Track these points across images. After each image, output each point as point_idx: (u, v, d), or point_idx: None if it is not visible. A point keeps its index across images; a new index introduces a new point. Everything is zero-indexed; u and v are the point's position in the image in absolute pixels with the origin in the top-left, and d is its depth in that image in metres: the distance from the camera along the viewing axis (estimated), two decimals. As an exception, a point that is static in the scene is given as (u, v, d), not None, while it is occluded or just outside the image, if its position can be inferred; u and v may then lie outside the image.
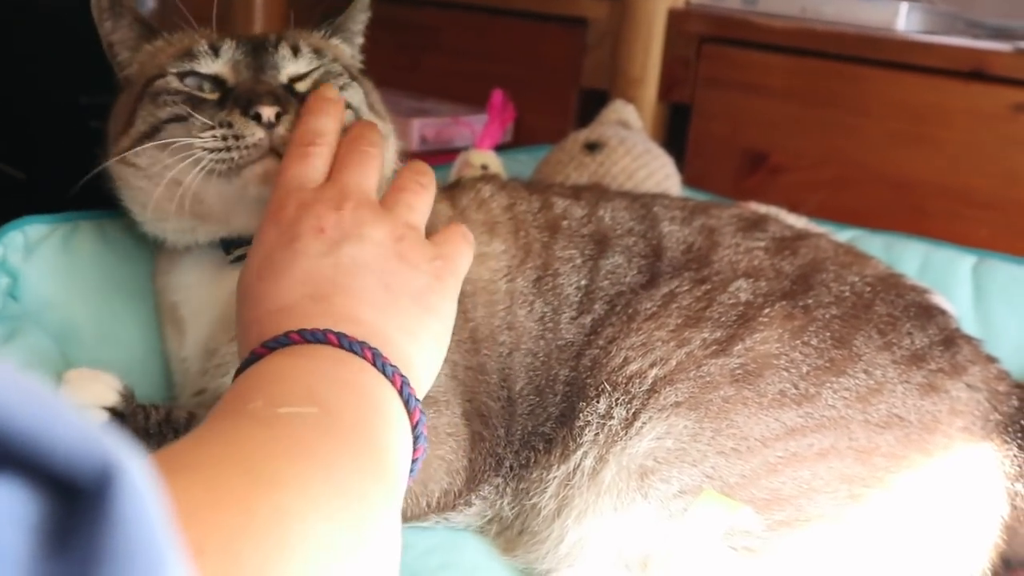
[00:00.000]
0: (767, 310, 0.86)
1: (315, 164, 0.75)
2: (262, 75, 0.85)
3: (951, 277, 1.21)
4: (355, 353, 0.63)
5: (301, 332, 0.63)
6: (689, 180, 1.45)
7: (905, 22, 1.48)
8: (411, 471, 0.64)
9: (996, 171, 1.34)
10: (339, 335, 0.63)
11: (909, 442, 0.80)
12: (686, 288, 0.89)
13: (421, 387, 0.69)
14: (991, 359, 0.91)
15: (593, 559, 0.80)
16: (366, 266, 0.70)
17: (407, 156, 0.98)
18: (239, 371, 0.64)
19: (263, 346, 0.64)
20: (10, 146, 1.22)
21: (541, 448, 0.85)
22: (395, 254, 0.72)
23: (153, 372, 0.95)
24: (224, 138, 0.80)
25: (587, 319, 0.89)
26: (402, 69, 1.88)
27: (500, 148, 1.40)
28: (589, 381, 0.84)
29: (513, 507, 0.86)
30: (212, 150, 0.80)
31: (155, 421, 0.82)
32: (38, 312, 0.90)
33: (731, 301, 0.87)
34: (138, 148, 0.84)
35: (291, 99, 0.83)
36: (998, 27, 1.63)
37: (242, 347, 0.68)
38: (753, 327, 0.84)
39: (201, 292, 0.91)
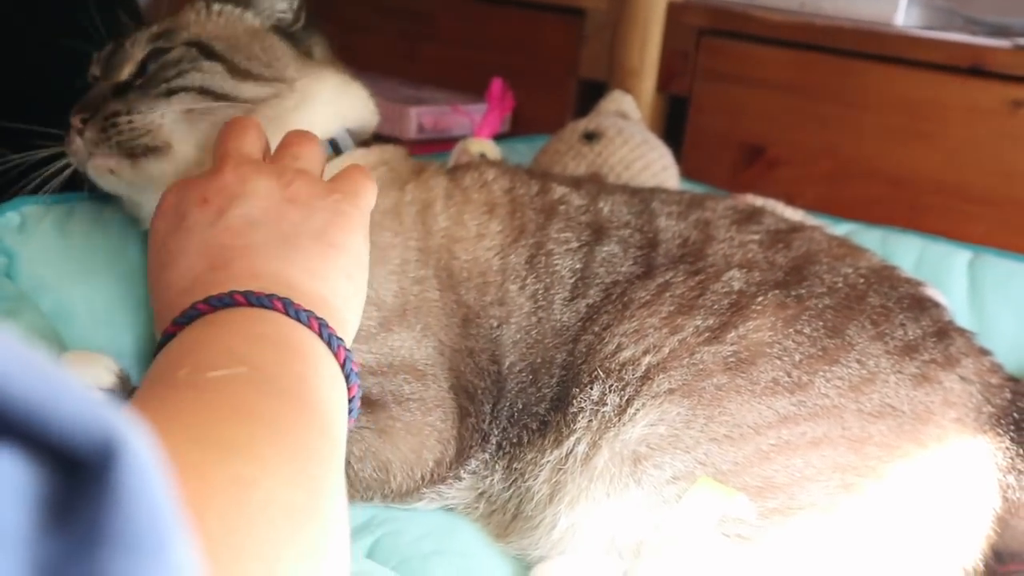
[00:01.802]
0: (760, 298, 0.86)
1: None
2: (106, 78, 0.91)
3: (947, 272, 1.22)
4: (265, 307, 0.62)
5: (207, 300, 0.62)
6: (686, 172, 1.46)
7: (904, 17, 1.48)
8: (350, 411, 0.64)
9: (993, 167, 1.34)
10: (245, 293, 0.62)
11: (902, 432, 0.80)
12: (680, 279, 0.89)
13: (346, 323, 0.69)
14: (984, 352, 0.91)
15: (586, 545, 0.80)
16: (257, 221, 0.69)
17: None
18: (154, 353, 0.63)
19: (174, 323, 0.63)
20: (6, 127, 1.22)
21: (535, 429, 0.85)
22: (285, 200, 0.71)
23: (148, 354, 0.95)
24: (69, 144, 0.88)
25: (582, 304, 0.89)
26: (400, 57, 1.88)
27: (497, 137, 1.40)
28: (583, 367, 0.85)
29: (505, 488, 0.87)
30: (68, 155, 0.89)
31: (150, 403, 0.82)
32: (33, 292, 0.89)
33: (724, 290, 0.87)
34: None
35: (119, 98, 0.87)
36: (997, 24, 1.63)
37: (158, 336, 0.68)
38: (746, 315, 0.84)
39: None
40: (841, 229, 1.28)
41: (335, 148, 0.94)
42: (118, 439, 0.25)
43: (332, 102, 0.95)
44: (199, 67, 0.88)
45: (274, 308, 0.62)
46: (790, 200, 1.33)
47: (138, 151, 0.86)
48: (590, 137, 1.24)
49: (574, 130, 1.27)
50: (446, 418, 0.86)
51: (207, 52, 0.90)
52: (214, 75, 0.89)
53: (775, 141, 1.49)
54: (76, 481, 0.25)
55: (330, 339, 0.63)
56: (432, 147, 1.53)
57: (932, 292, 1.11)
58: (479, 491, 0.88)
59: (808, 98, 1.47)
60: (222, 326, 0.61)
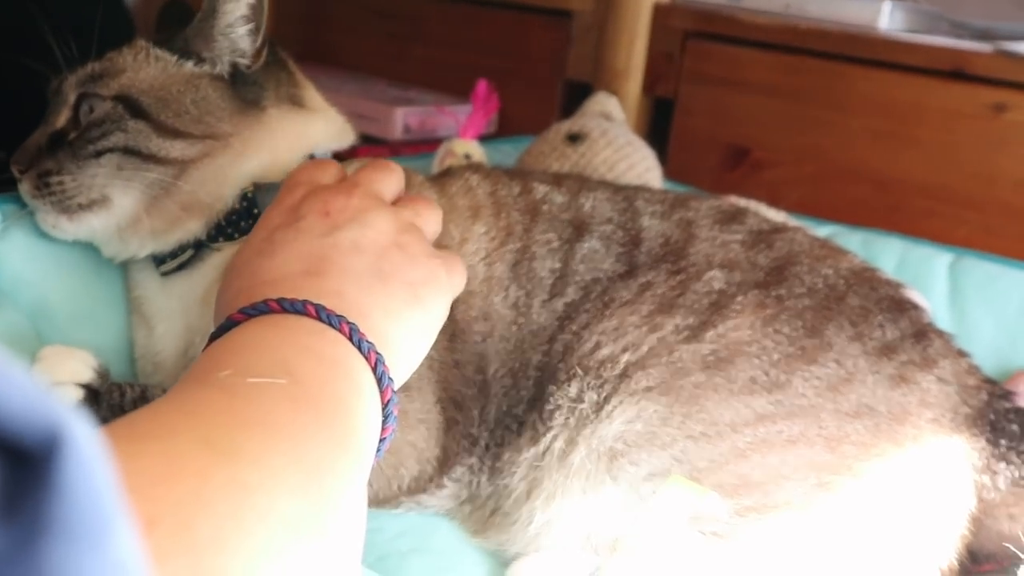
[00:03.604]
0: (739, 298, 0.86)
1: (328, 169, 0.78)
2: (43, 125, 0.89)
3: (928, 274, 1.22)
4: (332, 326, 0.63)
5: (280, 301, 0.63)
6: (671, 174, 1.46)
7: (888, 21, 1.48)
8: (378, 451, 0.64)
9: (974, 171, 1.35)
10: (317, 307, 0.63)
11: (879, 432, 0.81)
12: (662, 278, 0.89)
13: (399, 370, 0.69)
14: (962, 353, 0.91)
15: (562, 541, 0.80)
16: (363, 249, 0.71)
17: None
18: (213, 336, 0.64)
19: (240, 312, 0.64)
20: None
21: (514, 429, 0.85)
22: (395, 243, 0.73)
23: (127, 354, 0.95)
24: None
25: (559, 303, 0.89)
26: (388, 58, 1.88)
27: (483, 138, 1.40)
28: (560, 365, 0.85)
29: (488, 486, 0.87)
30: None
31: (131, 398, 0.82)
32: (13, 290, 0.89)
33: (705, 289, 0.87)
34: None
35: (52, 153, 0.86)
36: (981, 28, 1.64)
37: (221, 314, 0.68)
38: (725, 314, 0.85)
39: (159, 298, 0.92)
40: (823, 231, 1.28)
41: None
42: (62, 430, 0.25)
43: (285, 143, 0.91)
44: (124, 127, 0.85)
45: (339, 330, 0.63)
46: (774, 202, 1.34)
47: (73, 209, 0.86)
48: (574, 138, 1.25)
49: (558, 131, 1.27)
50: (429, 436, 0.86)
51: (134, 109, 0.86)
52: (139, 135, 0.86)
53: (760, 143, 1.50)
54: (23, 472, 0.25)
55: (381, 376, 0.64)
56: (418, 148, 1.54)
57: (912, 294, 1.12)
58: (462, 498, 0.89)
59: (793, 100, 1.47)
60: (280, 332, 0.62)
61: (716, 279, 0.89)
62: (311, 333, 0.62)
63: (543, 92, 1.70)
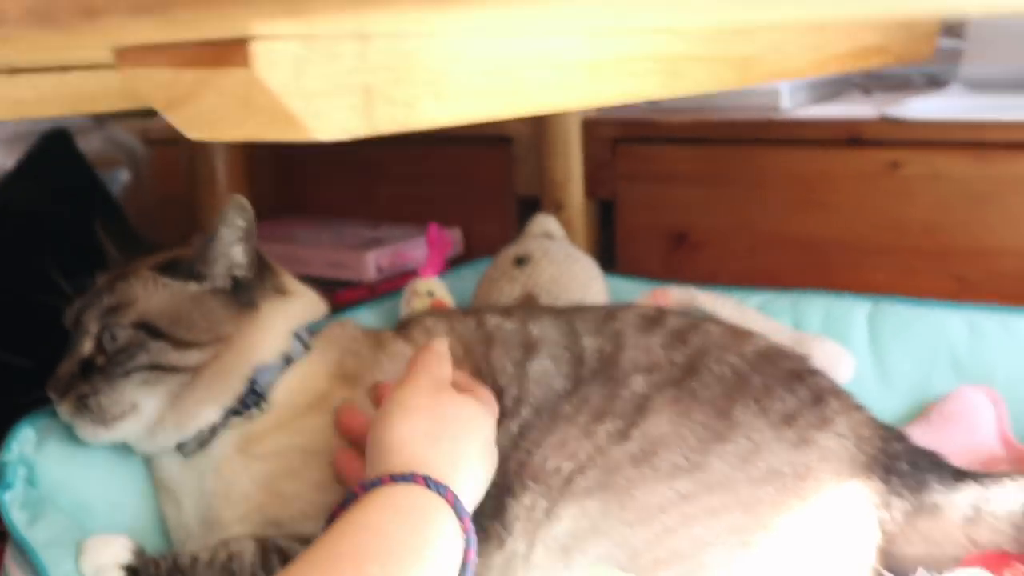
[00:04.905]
0: (657, 398, 1.01)
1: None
2: (70, 354, 1.05)
3: (849, 325, 1.36)
4: (461, 518, 0.85)
5: (427, 479, 0.85)
6: (622, 266, 1.63)
7: (789, 99, 1.64)
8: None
9: (883, 222, 1.51)
10: (456, 503, 0.85)
11: (786, 491, 0.95)
12: (596, 389, 1.04)
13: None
14: (857, 407, 1.06)
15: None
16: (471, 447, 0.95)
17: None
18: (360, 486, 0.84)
19: (391, 477, 0.85)
20: (16, 335, 1.35)
21: (482, 539, 1.00)
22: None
23: (159, 528, 1.09)
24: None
25: (514, 424, 1.03)
26: (357, 200, 2.06)
27: (450, 261, 1.57)
28: (515, 480, 0.99)
29: None
30: None
31: (164, 569, 0.98)
32: (53, 494, 1.04)
33: (628, 394, 1.02)
34: None
35: (86, 378, 1.02)
36: (895, 76, 1.80)
37: (394, 448, 0.90)
38: (646, 414, 0.99)
39: (182, 476, 1.07)
40: (755, 299, 1.43)
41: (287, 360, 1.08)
42: None
43: (276, 330, 1.08)
44: (147, 348, 1.02)
45: (463, 526, 0.85)
46: (714, 276, 1.51)
47: (109, 420, 1.02)
48: (520, 261, 1.41)
49: (506, 256, 1.43)
50: None
51: (152, 332, 1.03)
52: (160, 352, 1.02)
53: (694, 227, 1.66)
54: None
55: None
56: (394, 283, 1.69)
57: (829, 349, 1.27)
58: None
59: (716, 185, 1.64)
60: (429, 536, 0.82)
61: (637, 383, 1.04)
62: (445, 536, 0.84)
63: (499, 210, 1.87)
